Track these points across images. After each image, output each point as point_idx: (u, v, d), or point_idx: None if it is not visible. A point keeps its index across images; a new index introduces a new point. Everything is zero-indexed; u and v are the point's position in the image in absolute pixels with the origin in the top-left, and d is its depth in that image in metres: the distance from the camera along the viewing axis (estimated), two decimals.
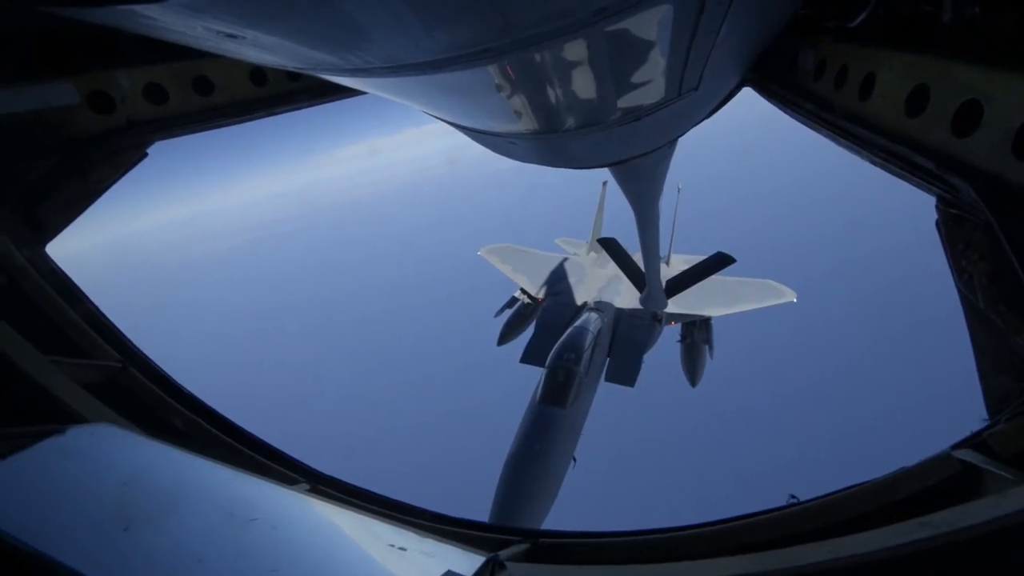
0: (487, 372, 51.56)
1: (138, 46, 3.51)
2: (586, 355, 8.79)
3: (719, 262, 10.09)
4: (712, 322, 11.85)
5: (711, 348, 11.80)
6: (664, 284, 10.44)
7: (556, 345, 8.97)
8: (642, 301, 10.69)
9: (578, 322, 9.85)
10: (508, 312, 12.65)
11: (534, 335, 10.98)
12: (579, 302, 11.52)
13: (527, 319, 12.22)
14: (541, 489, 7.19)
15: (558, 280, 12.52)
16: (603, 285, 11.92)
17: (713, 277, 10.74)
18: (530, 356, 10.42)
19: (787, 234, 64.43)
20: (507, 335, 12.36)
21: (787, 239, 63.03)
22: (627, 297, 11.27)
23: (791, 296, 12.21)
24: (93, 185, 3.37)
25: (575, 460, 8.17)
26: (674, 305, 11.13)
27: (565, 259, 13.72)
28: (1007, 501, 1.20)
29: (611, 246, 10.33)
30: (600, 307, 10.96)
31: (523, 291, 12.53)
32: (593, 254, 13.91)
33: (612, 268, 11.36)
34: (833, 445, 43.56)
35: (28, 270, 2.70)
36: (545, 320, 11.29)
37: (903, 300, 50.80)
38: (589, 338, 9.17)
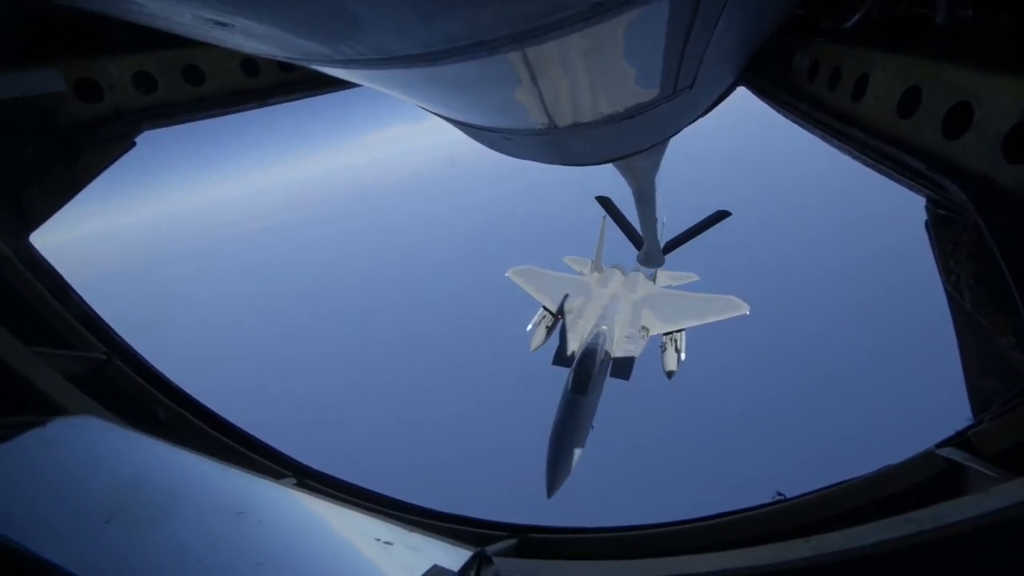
0: (479, 364, 51.57)
1: (127, 34, 3.45)
2: (599, 358, 12.84)
3: (716, 217, 13.85)
4: (684, 332, 15.19)
5: (680, 352, 15.11)
6: (663, 245, 13.33)
7: (578, 353, 13.10)
8: (639, 259, 13.78)
9: (590, 338, 13.75)
10: (536, 327, 16.40)
11: (560, 345, 14.75)
12: (589, 319, 15.02)
13: (552, 330, 16.06)
14: (575, 447, 11.72)
15: (572, 299, 16.32)
16: (607, 303, 15.65)
17: (681, 294, 15.38)
18: (559, 360, 14.31)
19: (778, 233, 64.88)
20: (538, 343, 16.07)
21: (778, 238, 63.50)
22: (625, 314, 14.84)
23: (745, 309, 15.44)
24: (80, 174, 3.31)
25: (593, 427, 12.31)
26: (654, 327, 14.55)
27: (576, 277, 17.35)
28: (990, 498, 1.21)
29: (608, 205, 13.00)
30: (606, 324, 14.70)
31: (545, 308, 16.25)
32: (596, 274, 17.62)
33: (612, 288, 15.78)
34: (820, 443, 44.06)
35: (11, 259, 2.65)
36: (566, 333, 14.90)
37: (890, 300, 51.41)
38: (600, 348, 13.23)
